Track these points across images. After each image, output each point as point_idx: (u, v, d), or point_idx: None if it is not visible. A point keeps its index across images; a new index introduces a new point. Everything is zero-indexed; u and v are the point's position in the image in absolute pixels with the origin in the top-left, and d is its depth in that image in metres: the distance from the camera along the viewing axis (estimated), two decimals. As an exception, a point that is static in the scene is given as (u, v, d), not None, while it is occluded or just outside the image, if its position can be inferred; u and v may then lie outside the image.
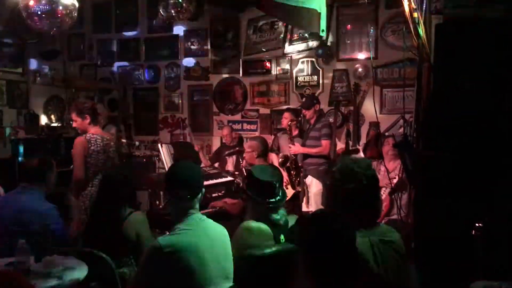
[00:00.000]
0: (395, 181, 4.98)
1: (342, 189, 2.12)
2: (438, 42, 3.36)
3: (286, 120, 5.94)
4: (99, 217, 3.23)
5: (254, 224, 2.74)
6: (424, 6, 3.66)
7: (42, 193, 3.54)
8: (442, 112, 3.31)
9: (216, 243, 2.50)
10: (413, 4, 3.65)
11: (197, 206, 2.56)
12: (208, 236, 2.47)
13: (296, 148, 5.72)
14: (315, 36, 6.49)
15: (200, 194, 2.57)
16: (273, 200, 2.81)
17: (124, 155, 6.95)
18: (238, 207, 4.10)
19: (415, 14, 3.65)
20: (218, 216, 4.19)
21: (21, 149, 6.62)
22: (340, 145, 6.25)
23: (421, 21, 3.61)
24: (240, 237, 2.70)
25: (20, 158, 6.55)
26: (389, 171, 5.09)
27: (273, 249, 2.64)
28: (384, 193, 5.15)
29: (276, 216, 2.80)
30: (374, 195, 2.20)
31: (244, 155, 4.97)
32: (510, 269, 2.94)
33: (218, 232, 2.58)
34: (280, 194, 2.88)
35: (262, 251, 2.60)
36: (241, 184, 4.62)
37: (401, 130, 5.41)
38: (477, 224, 2.93)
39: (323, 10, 4.27)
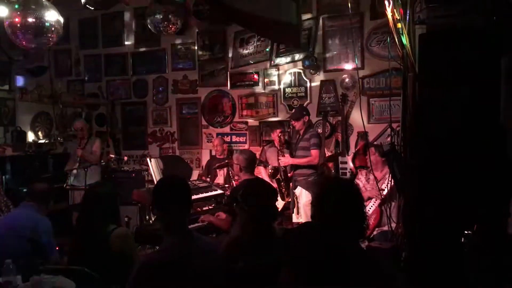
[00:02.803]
0: (384, 192, 4.99)
1: (326, 203, 2.13)
2: (422, 51, 3.41)
3: (277, 138, 5.95)
4: (83, 234, 3.19)
5: (240, 236, 2.73)
6: (407, 17, 3.71)
7: (41, 212, 3.75)
8: (428, 121, 3.34)
9: (205, 257, 2.48)
10: (396, 15, 3.69)
11: (186, 220, 2.55)
12: (197, 251, 2.46)
13: (287, 160, 5.73)
14: (301, 47, 6.53)
15: (188, 209, 2.56)
16: (270, 218, 2.84)
17: (111, 170, 6.93)
18: (228, 223, 4.08)
19: (399, 25, 3.70)
20: (207, 230, 4.19)
21: (9, 167, 6.55)
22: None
23: (405, 31, 3.66)
24: (227, 250, 2.69)
25: (7, 176, 6.48)
26: (377, 179, 5.11)
27: (260, 261, 2.63)
28: (374, 205, 5.16)
29: (265, 230, 2.80)
30: (357, 210, 2.20)
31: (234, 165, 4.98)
32: (500, 275, 2.95)
33: (207, 246, 2.56)
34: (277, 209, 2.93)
35: (248, 264, 2.59)
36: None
37: (389, 139, 5.46)
38: (466, 232, 2.95)
39: (298, 22, 4.29)
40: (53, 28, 4.33)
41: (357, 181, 5.53)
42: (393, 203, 4.72)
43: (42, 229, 3.57)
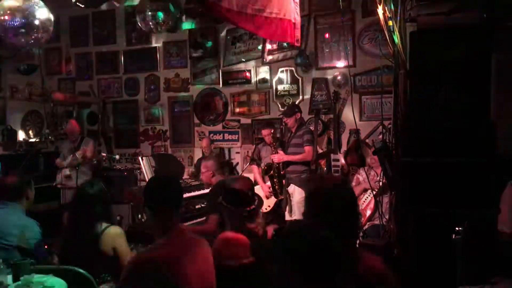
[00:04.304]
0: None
1: (317, 201, 2.13)
2: (413, 49, 3.42)
3: (268, 136, 5.92)
4: (74, 233, 3.16)
5: (231, 234, 2.73)
6: (398, 15, 3.72)
7: (22, 209, 3.51)
8: (419, 118, 3.35)
9: (198, 256, 2.48)
10: (387, 12, 3.70)
11: (177, 219, 2.54)
12: (189, 249, 2.45)
13: (280, 156, 5.72)
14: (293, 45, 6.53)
15: (179, 207, 2.55)
16: (248, 208, 2.82)
17: (103, 169, 6.89)
18: (210, 227, 3.96)
19: (390, 22, 3.70)
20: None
21: (-1, 165, 6.51)
22: (322, 154, 6.28)
23: (396, 29, 3.66)
24: (217, 248, 2.69)
25: (-2, 175, 6.44)
26: (378, 175, 5.12)
27: (250, 259, 2.63)
28: (370, 196, 5.17)
29: (252, 226, 2.80)
30: (350, 208, 2.20)
31: (201, 175, 4.79)
32: (490, 273, 2.96)
33: (199, 245, 2.55)
34: (255, 202, 2.90)
35: (238, 262, 2.59)
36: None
37: (381, 136, 5.47)
38: (457, 228, 2.96)
39: (297, 19, 4.30)
40: (44, 27, 4.29)
41: (357, 175, 5.55)
42: (384, 198, 4.74)
43: (29, 234, 3.33)
